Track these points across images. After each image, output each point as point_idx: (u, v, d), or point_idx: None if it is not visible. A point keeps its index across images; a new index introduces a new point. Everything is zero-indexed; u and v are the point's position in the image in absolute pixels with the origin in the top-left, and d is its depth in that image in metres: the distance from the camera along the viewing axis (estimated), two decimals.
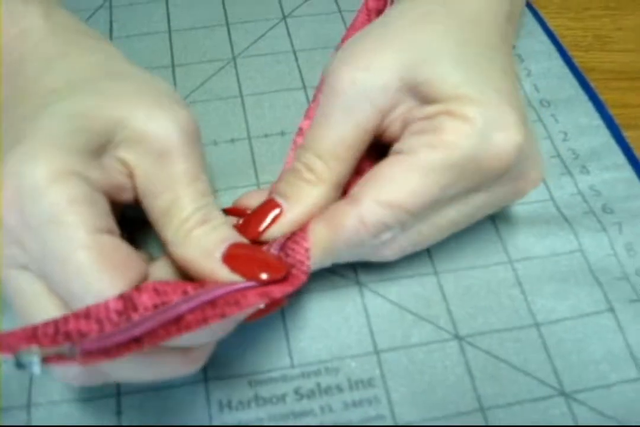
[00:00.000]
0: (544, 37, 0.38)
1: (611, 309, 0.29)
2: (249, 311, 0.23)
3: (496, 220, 0.31)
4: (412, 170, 0.24)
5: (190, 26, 0.38)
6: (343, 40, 0.31)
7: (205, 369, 0.27)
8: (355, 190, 0.25)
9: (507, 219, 0.31)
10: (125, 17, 0.39)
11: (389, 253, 0.27)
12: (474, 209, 0.26)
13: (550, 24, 0.39)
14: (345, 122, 0.25)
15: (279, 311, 0.29)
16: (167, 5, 0.39)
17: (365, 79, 0.25)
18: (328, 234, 0.25)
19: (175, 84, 0.36)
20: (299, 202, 0.26)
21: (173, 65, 0.37)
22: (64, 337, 0.20)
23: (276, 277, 0.24)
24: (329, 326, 0.28)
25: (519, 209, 0.32)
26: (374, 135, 0.26)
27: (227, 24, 0.39)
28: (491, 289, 0.29)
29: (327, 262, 0.26)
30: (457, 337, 0.28)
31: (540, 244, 0.30)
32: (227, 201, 0.31)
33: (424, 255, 0.30)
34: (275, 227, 0.26)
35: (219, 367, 0.27)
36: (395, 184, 0.24)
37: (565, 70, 0.37)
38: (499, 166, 0.24)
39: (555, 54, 0.37)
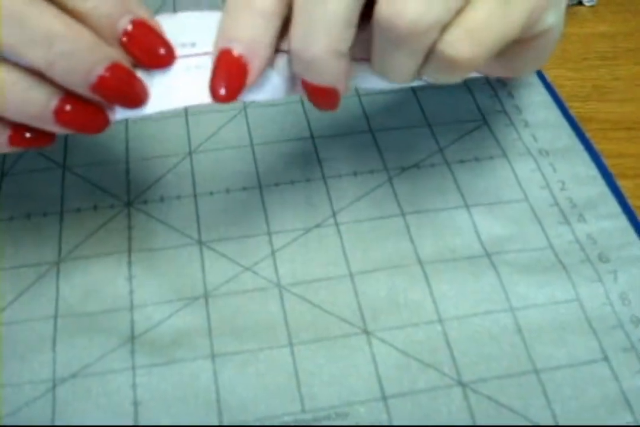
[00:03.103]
0: (541, 89, 0.40)
1: (606, 358, 0.30)
2: None
3: (498, 267, 0.33)
4: None
5: None
6: None
7: (219, 413, 0.28)
8: None
9: (509, 266, 0.33)
10: None
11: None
12: None
13: (549, 74, 0.41)
14: None
15: (291, 358, 0.30)
16: None
17: None
18: None
19: (188, 132, 0.37)
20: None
21: (187, 115, 0.38)
22: None
23: None
24: (339, 373, 0.30)
25: (520, 256, 0.33)
26: None
27: None
28: (493, 336, 0.31)
29: None
30: (461, 383, 0.29)
31: (540, 292, 0.32)
32: (238, 249, 0.33)
33: (429, 302, 0.32)
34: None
35: (233, 411, 0.29)
36: None
37: (562, 121, 0.38)
38: None
39: (552, 105, 0.39)
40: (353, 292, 0.32)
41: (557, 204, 0.35)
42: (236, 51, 0.24)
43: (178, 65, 0.26)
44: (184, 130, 0.38)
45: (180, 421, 0.28)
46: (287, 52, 0.26)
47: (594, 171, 0.36)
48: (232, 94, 0.25)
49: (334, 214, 0.35)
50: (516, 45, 0.26)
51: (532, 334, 0.31)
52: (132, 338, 0.30)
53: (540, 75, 0.41)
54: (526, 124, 0.38)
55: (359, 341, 0.31)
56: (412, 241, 0.34)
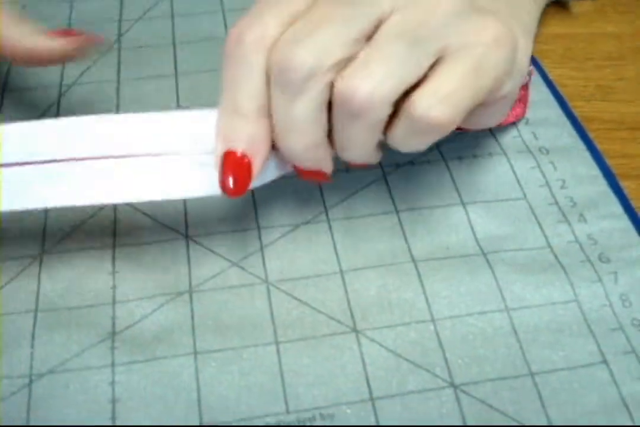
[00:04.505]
0: (543, 88, 0.39)
1: (604, 361, 0.29)
2: None
3: (494, 266, 0.31)
4: None
5: (196, 69, 0.40)
6: None
7: (200, 413, 0.27)
8: None
9: (505, 266, 0.31)
10: (133, 59, 0.40)
11: None
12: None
13: (552, 74, 0.40)
14: None
15: (276, 357, 0.29)
16: (175, 49, 0.41)
17: None
18: None
19: None
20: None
21: (178, 107, 0.38)
22: None
23: None
24: (325, 373, 0.28)
25: (517, 255, 0.32)
26: None
27: None
28: (487, 337, 0.29)
29: None
30: (453, 385, 0.28)
31: (538, 292, 0.31)
32: (226, 244, 0.32)
33: (422, 301, 0.30)
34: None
35: (214, 411, 0.27)
36: None
37: (564, 120, 0.37)
38: None
39: (554, 103, 0.38)
40: (343, 290, 0.31)
41: (556, 202, 0.34)
42: (239, 151, 0.27)
43: (185, 162, 0.29)
44: None
45: (159, 420, 0.27)
46: None
47: (595, 171, 0.35)
48: (241, 188, 0.28)
49: (325, 210, 0.34)
50: (478, 108, 0.28)
51: (528, 335, 0.30)
52: (113, 334, 0.29)
53: (542, 73, 0.40)
54: (526, 122, 0.37)
55: (348, 340, 0.29)
56: (405, 239, 0.33)
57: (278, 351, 0.29)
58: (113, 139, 0.29)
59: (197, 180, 0.29)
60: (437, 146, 0.36)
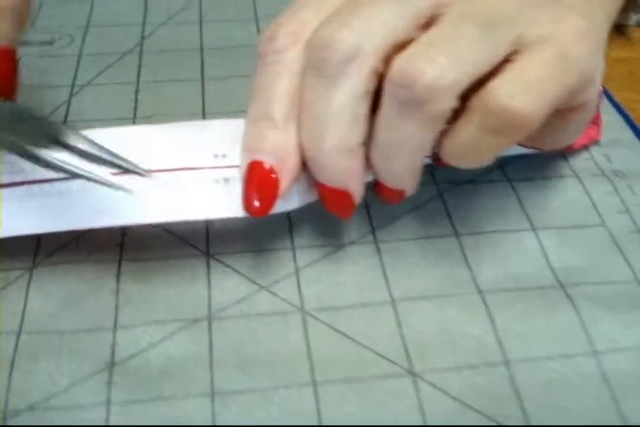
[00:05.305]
0: (611, 110, 0.35)
1: None
2: None
3: (575, 301, 0.26)
4: None
5: (225, 76, 0.36)
6: None
7: None
8: None
9: (588, 300, 0.26)
10: (155, 63, 0.36)
11: None
12: None
13: (617, 97, 0.36)
14: None
15: (313, 401, 0.23)
16: (202, 55, 0.37)
17: None
18: None
19: None
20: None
21: (204, 114, 0.34)
22: None
23: None
24: (375, 423, 0.23)
25: (601, 289, 0.27)
26: None
27: None
28: (573, 386, 0.24)
29: None
30: None
31: (629, 333, 0.25)
32: (253, 265, 0.27)
33: (491, 340, 0.25)
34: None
35: None
36: None
37: (637, 142, 0.33)
38: None
39: (625, 126, 0.34)
40: (395, 323, 0.26)
41: (639, 230, 0.29)
42: (266, 162, 0.24)
43: (207, 177, 0.26)
44: None
45: None
46: None
47: None
48: (266, 206, 0.24)
49: (372, 230, 0.29)
50: (555, 117, 0.24)
51: (621, 384, 0.24)
52: (112, 365, 0.24)
53: (608, 96, 0.36)
54: (598, 144, 0.33)
55: (402, 383, 0.24)
56: (468, 266, 0.27)
57: (316, 395, 0.23)
58: (125, 154, 0.25)
59: (218, 199, 0.25)
60: (501, 166, 0.31)
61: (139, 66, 0.36)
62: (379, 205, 0.29)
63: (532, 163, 0.32)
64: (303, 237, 0.28)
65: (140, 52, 0.37)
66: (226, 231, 0.28)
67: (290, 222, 0.29)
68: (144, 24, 0.39)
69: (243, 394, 0.23)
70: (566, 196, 0.30)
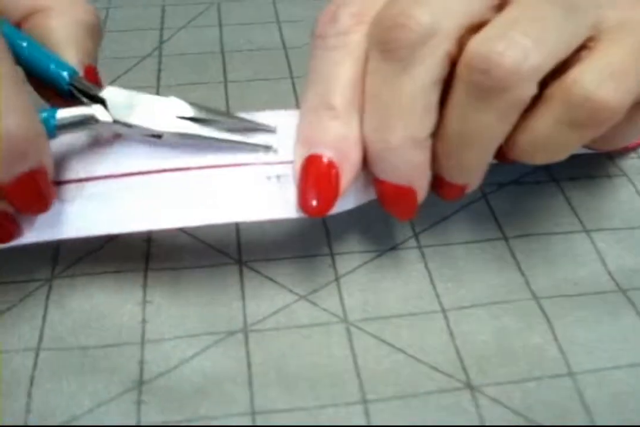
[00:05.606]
0: None
1: None
2: None
3: (638, 306, 0.24)
4: None
5: (248, 78, 0.34)
6: None
7: None
8: None
9: None
10: (175, 66, 0.35)
11: None
12: None
13: None
14: None
15: (364, 420, 0.21)
16: (224, 57, 0.35)
17: None
18: None
19: None
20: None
21: None
22: None
23: None
24: None
25: None
26: None
27: (292, 77, 0.34)
28: None
29: None
30: None
31: None
32: (290, 272, 0.25)
33: (554, 349, 0.23)
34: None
35: None
36: None
37: None
38: None
39: None
40: (447, 333, 0.23)
41: None
42: (325, 156, 0.22)
43: (259, 174, 0.23)
44: None
45: None
46: None
47: None
48: (325, 206, 0.22)
49: (415, 235, 0.27)
50: (630, 111, 0.21)
51: None
52: (140, 384, 0.22)
53: None
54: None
55: (461, 398, 0.22)
56: (520, 271, 0.25)
57: (367, 413, 0.21)
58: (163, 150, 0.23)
59: (271, 198, 0.23)
60: (546, 166, 0.29)
61: (159, 70, 0.34)
62: (419, 208, 0.27)
63: (576, 162, 0.30)
64: (341, 243, 0.26)
65: (160, 55, 0.35)
66: (258, 237, 0.26)
67: (325, 226, 0.27)
68: (162, 28, 0.37)
69: (287, 413, 0.21)
70: (616, 196, 0.29)
